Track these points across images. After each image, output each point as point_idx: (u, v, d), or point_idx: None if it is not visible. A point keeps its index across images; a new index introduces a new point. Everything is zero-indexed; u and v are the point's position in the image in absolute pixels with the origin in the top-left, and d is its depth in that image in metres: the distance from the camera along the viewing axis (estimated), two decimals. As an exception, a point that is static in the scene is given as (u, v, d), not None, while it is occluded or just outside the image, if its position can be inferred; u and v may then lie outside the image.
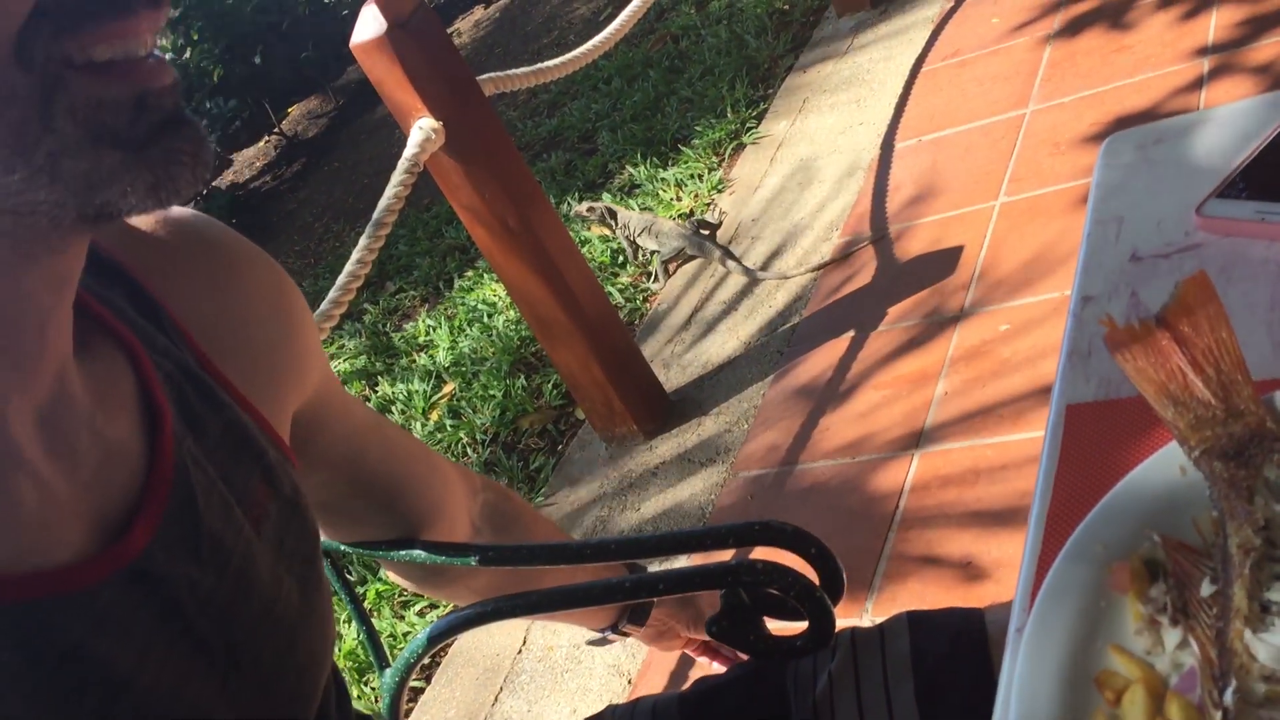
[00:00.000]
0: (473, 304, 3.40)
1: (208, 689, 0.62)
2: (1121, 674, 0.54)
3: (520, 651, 2.21)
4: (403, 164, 2.10)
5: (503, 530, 1.06)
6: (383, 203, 2.08)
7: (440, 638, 0.99)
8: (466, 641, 2.31)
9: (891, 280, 2.55)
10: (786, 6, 4.08)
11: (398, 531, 0.97)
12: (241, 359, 0.73)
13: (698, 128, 3.60)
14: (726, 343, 2.68)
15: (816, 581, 0.90)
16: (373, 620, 1.85)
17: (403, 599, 2.48)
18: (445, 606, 2.41)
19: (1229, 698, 0.50)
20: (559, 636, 2.18)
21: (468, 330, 3.28)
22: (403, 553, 0.98)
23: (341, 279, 2.01)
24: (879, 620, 0.98)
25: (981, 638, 0.86)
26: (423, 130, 2.12)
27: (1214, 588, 0.54)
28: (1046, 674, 0.55)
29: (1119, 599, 0.57)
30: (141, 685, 0.58)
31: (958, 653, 0.86)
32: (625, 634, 1.13)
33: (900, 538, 1.91)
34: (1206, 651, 0.52)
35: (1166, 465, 0.61)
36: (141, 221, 0.71)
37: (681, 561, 1.92)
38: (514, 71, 2.42)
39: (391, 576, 1.05)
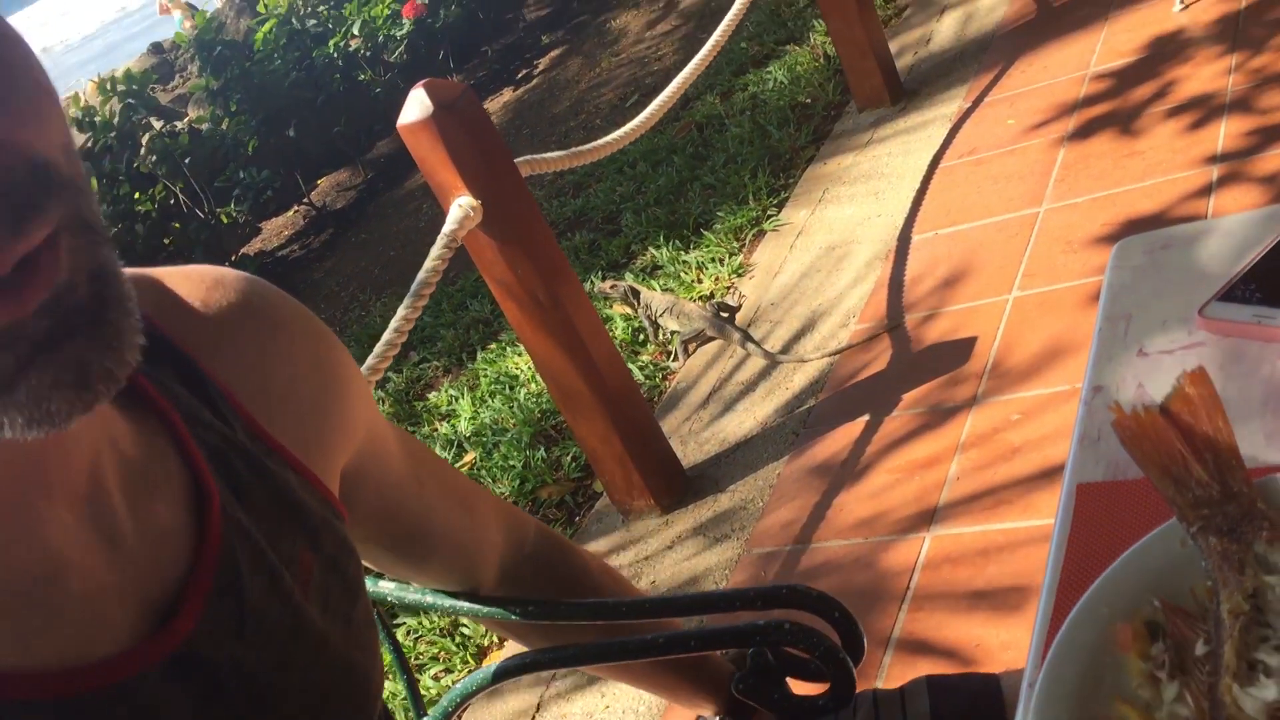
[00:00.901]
0: (495, 376, 3.48)
1: None
2: (1124, 723, 0.60)
3: None
4: (441, 239, 2.19)
5: (542, 589, 1.08)
6: (421, 275, 2.17)
7: (504, 675, 1.05)
8: (478, 711, 2.35)
9: (907, 368, 2.62)
10: (808, 100, 4.22)
11: (432, 582, 1.02)
12: (290, 420, 0.75)
13: (720, 213, 3.71)
14: (744, 422, 2.75)
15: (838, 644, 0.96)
16: (387, 679, 1.89)
17: (418, 662, 2.52)
18: (458, 671, 2.45)
19: (1219, 744, 0.56)
20: (572, 704, 2.22)
21: (489, 401, 3.36)
22: (454, 605, 1.04)
23: (379, 347, 2.09)
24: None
25: (998, 701, 0.92)
26: (462, 208, 2.21)
27: (1207, 648, 0.61)
28: (1057, 721, 0.61)
29: (1123, 656, 0.64)
30: None
31: (975, 715, 0.92)
32: None
33: (911, 617, 1.96)
34: (1200, 704, 0.59)
35: (1168, 539, 0.68)
36: (185, 290, 0.73)
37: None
38: (550, 155, 2.53)
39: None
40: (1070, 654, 0.64)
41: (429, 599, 1.07)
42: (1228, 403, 0.76)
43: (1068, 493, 0.79)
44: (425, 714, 1.15)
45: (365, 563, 0.92)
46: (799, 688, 1.03)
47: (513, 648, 1.15)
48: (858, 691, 0.99)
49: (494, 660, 1.34)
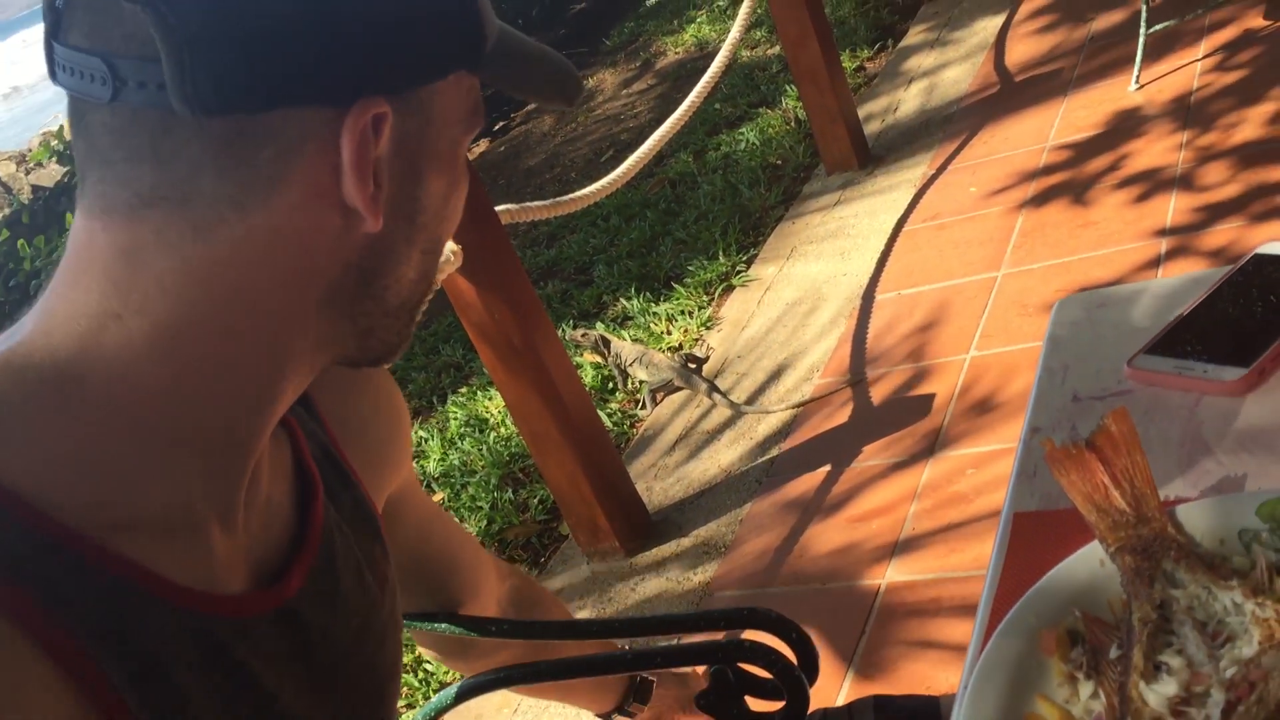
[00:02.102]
0: (465, 419, 3.54)
1: None
2: (1045, 717, 0.68)
3: (494, 753, 2.29)
4: (423, 281, 2.27)
5: (525, 613, 1.17)
6: (402, 315, 2.25)
7: (468, 694, 1.11)
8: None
9: (867, 421, 2.71)
10: (779, 161, 4.35)
11: (436, 606, 1.08)
12: (362, 450, 0.86)
13: (690, 267, 3.81)
14: (708, 469, 2.83)
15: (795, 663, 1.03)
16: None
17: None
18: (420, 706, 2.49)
19: (1126, 732, 0.64)
20: (533, 740, 2.27)
21: (459, 444, 3.41)
22: (434, 625, 1.10)
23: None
24: (847, 709, 1.10)
25: (936, 718, 0.99)
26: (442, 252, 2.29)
27: (1119, 651, 0.69)
28: (986, 715, 0.69)
29: (1046, 659, 0.72)
30: (281, 705, 0.69)
31: (916, 730, 0.99)
32: (631, 714, 1.20)
33: (867, 651, 2.04)
34: (1111, 700, 0.67)
35: (1089, 558, 0.76)
36: None
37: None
38: (529, 204, 2.62)
39: (422, 649, 1.16)
40: (1000, 657, 0.72)
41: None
42: (1149, 442, 0.85)
43: (1005, 521, 0.88)
44: (401, 726, 1.20)
45: None
46: (757, 705, 1.09)
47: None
48: (810, 710, 1.06)
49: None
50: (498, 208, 2.44)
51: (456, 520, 1.10)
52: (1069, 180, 3.30)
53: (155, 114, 0.57)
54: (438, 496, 3.24)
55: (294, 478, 0.76)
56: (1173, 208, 2.93)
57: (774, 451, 2.77)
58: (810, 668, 1.04)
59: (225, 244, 0.60)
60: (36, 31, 0.67)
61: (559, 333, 3.63)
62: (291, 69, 0.58)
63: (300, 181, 0.60)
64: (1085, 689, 0.69)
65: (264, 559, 0.71)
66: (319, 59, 0.58)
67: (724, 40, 3.54)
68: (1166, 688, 0.65)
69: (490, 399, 3.55)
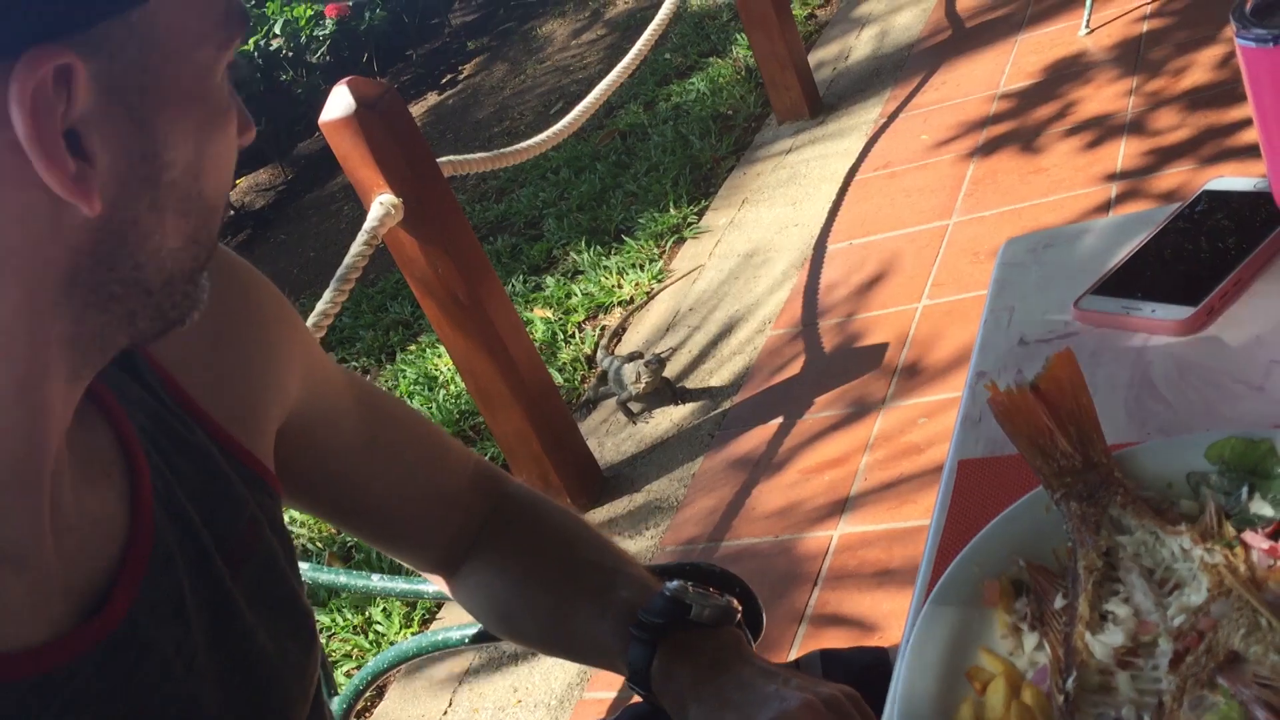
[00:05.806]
0: (415, 376, 3.48)
1: None
2: (988, 670, 0.66)
3: (445, 714, 2.26)
4: (362, 235, 2.20)
5: (516, 549, 0.98)
6: (341, 269, 2.19)
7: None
8: (391, 704, 2.36)
9: (819, 372, 2.69)
10: (730, 111, 4.29)
11: (376, 545, 0.96)
12: (215, 384, 0.73)
13: (641, 220, 3.76)
14: (660, 424, 2.80)
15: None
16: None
17: (331, 660, 2.52)
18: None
19: (1070, 685, 0.61)
20: (484, 699, 2.24)
21: (409, 402, 3.36)
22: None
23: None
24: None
25: (886, 671, 0.96)
26: (383, 205, 2.23)
27: (1065, 601, 0.66)
28: (928, 668, 0.66)
29: (990, 611, 0.69)
30: None
31: (864, 684, 0.96)
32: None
33: (822, 598, 2.03)
34: (1056, 651, 0.64)
35: (1034, 505, 0.73)
36: None
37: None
38: (472, 156, 2.55)
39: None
40: (943, 609, 0.69)
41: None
42: (1096, 385, 0.83)
43: (950, 468, 0.85)
44: (335, 694, 1.17)
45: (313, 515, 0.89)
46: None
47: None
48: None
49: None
50: (440, 159, 2.38)
51: (419, 449, 0.95)
52: (1020, 127, 3.28)
53: None
54: (387, 456, 3.18)
55: (123, 471, 0.65)
56: (1123, 152, 2.92)
57: (726, 405, 2.74)
58: (755, 623, 1.01)
59: None
60: None
61: (509, 287, 3.58)
62: None
63: None
64: (1029, 640, 0.66)
65: (90, 581, 0.60)
66: None
67: (671, -13, 3.47)
68: (1113, 638, 0.62)
69: (440, 356, 3.49)
